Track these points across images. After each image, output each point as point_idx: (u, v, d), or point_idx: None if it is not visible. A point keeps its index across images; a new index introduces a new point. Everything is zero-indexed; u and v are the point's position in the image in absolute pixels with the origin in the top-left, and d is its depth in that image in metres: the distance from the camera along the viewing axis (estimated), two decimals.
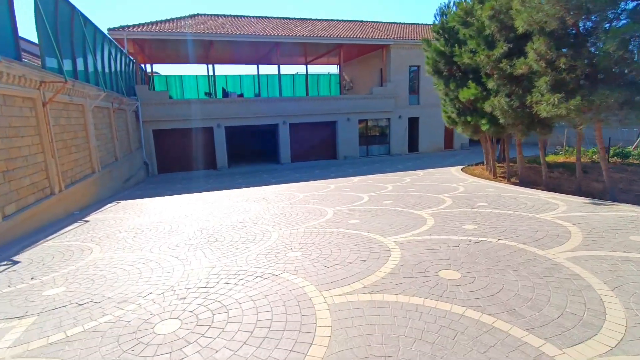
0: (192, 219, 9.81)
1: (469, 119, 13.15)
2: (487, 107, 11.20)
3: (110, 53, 18.09)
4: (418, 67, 28.04)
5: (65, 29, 12.45)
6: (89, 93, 13.73)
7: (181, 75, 30.48)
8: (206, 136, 24.58)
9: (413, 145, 28.96)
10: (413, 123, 28.67)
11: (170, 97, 29.46)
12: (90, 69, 14.81)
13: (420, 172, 17.49)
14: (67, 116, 12.02)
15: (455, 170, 17.66)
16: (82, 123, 13.36)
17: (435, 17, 15.19)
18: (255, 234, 7.81)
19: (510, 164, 17.38)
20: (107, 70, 17.49)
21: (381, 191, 12.50)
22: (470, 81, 12.19)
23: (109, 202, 13.51)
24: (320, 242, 6.92)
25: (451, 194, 11.29)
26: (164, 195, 14.87)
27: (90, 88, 13.69)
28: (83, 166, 12.90)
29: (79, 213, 11.54)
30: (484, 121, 12.16)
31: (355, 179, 16.42)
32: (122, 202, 13.46)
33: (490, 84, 11.26)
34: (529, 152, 21.09)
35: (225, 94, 26.45)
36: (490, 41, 11.40)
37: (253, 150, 33.34)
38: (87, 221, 10.17)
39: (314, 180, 17.18)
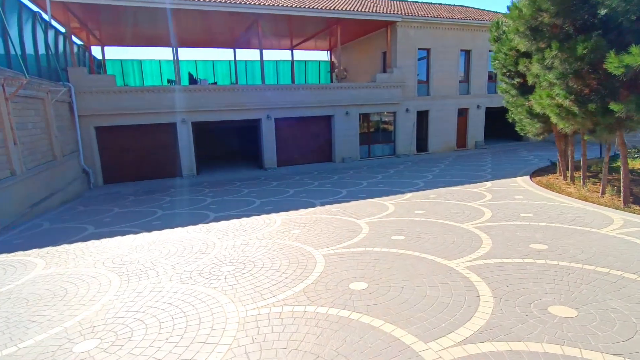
0: None
1: (615, 107, 6.73)
2: None
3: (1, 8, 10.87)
4: (428, 50, 21.64)
5: None
6: None
7: (140, 60, 23.08)
8: (167, 135, 17.56)
9: (421, 144, 22.66)
10: (422, 118, 22.35)
11: (127, 85, 22.24)
12: None
13: (483, 190, 11.11)
14: None
15: (525, 183, 11.45)
16: None
17: None
18: None
19: (589, 173, 11.18)
20: None
21: (480, 250, 6.04)
22: None
23: None
24: None
25: None
26: (74, 238, 8.00)
27: None
28: None
29: None
30: None
31: (388, 205, 9.85)
32: None
33: None
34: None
35: (193, 80, 19.37)
36: None
37: (230, 151, 26.33)
38: None
39: (319, 203, 10.56)
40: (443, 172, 15.35)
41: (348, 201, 10.64)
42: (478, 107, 23.27)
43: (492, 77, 23.61)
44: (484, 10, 24.70)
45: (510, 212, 8.24)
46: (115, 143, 17.00)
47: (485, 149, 23.28)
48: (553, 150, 20.75)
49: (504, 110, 26.59)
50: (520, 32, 8.33)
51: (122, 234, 8.44)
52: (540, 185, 11.00)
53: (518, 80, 11.67)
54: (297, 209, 10.00)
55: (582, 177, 10.32)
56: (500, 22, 12.07)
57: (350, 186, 13.19)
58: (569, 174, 11.24)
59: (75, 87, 15.37)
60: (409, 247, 6.27)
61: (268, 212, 9.73)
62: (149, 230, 8.65)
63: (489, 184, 11.98)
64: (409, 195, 10.93)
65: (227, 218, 9.36)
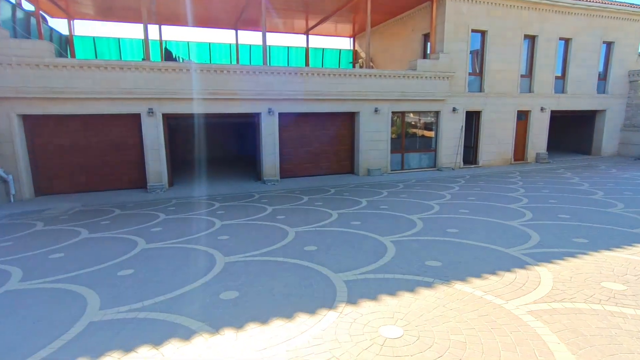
0: None
1: None
2: None
3: None
4: (484, 32, 15.45)
5: None
6: None
7: (118, 39, 17.37)
8: (128, 130, 11.76)
9: (468, 153, 16.44)
10: (470, 120, 16.15)
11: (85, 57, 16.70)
12: None
13: None
14: None
15: None
16: None
17: None
18: None
19: None
20: None
21: None
22: None
23: None
24: None
25: None
26: None
27: None
28: None
29: None
30: None
31: (530, 324, 3.75)
32: None
33: None
34: None
35: (171, 57, 13.52)
36: None
37: (223, 153, 20.45)
38: None
39: (344, 284, 4.48)
40: (535, 202, 9.12)
41: (410, 288, 4.54)
42: (542, 109, 16.93)
43: (561, 73, 17.29)
44: None
45: None
46: (52, 139, 11.26)
47: (550, 163, 16.90)
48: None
49: (571, 116, 20.18)
50: None
51: None
52: None
53: None
54: (293, 312, 3.95)
55: None
56: None
57: (395, 229, 7.05)
58: None
59: None
60: None
61: (227, 321, 3.73)
62: None
63: None
64: (544, 274, 4.72)
65: (128, 347, 3.39)
